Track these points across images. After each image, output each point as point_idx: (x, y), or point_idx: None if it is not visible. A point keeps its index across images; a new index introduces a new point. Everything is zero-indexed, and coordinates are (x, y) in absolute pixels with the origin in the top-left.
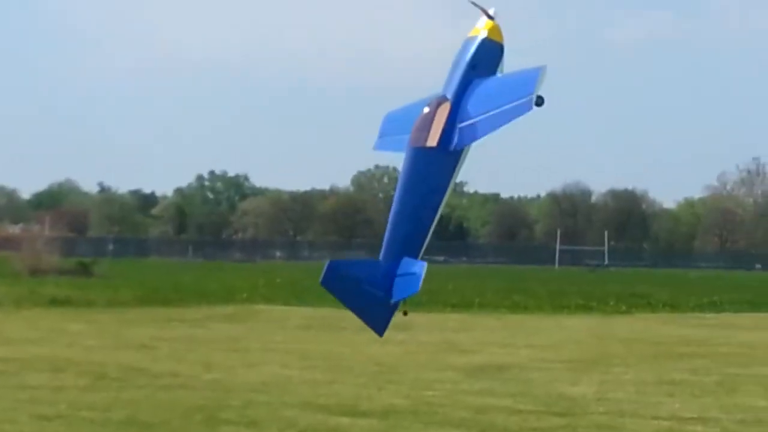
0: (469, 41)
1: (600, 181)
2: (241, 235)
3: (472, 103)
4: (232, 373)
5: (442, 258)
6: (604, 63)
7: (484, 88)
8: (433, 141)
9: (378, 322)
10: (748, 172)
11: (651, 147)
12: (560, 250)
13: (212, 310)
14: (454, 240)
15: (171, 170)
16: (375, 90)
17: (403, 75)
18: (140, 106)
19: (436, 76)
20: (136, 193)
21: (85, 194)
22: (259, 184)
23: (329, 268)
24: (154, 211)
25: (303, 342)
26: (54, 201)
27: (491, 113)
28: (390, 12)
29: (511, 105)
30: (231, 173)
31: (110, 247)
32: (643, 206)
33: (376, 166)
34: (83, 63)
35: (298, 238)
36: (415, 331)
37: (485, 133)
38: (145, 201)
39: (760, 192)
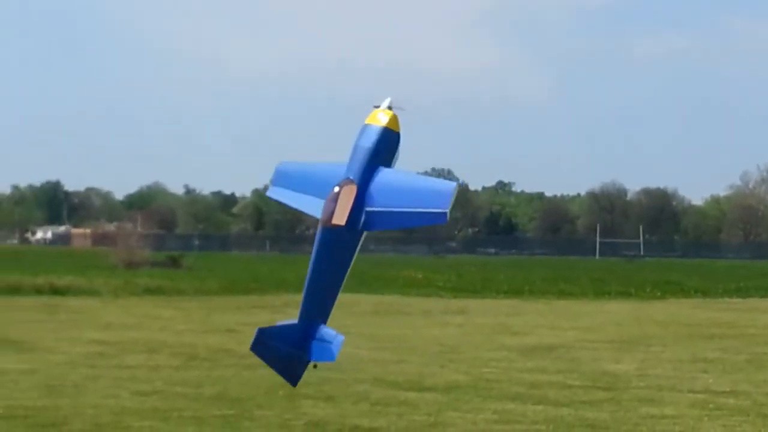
0: (370, 128)
1: (634, 181)
2: (312, 231)
3: (383, 193)
4: None
5: (493, 250)
6: (635, 74)
7: (395, 181)
8: (341, 220)
9: (293, 376)
10: None
11: (680, 149)
12: (600, 243)
13: (289, 298)
14: (504, 234)
15: (249, 173)
16: (423, 101)
17: (430, 87)
18: (220, 114)
19: (464, 91)
20: (218, 194)
21: (173, 195)
22: None
23: (257, 336)
24: (235, 209)
25: (372, 326)
26: (144, 201)
27: (406, 210)
28: (420, 29)
29: (426, 210)
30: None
31: (196, 242)
32: (674, 203)
33: (433, 169)
34: (170, 74)
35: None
36: (472, 315)
37: (397, 227)
38: (226, 201)
39: None
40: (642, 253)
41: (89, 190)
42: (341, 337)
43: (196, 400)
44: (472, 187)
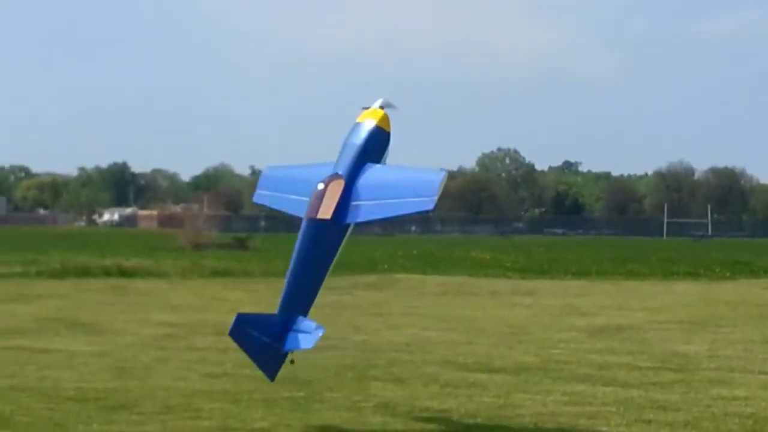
0: (360, 126)
1: (702, 160)
2: None
3: (370, 188)
4: (378, 335)
5: (560, 231)
6: (702, 50)
7: (383, 176)
8: (326, 214)
9: (270, 369)
10: None
11: (749, 128)
12: (667, 223)
13: (357, 279)
14: (571, 214)
15: (315, 154)
16: (488, 80)
17: (509, 65)
18: (285, 94)
19: (531, 70)
20: None
21: (238, 176)
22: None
23: (236, 321)
24: None
25: (440, 306)
26: (210, 183)
27: (391, 201)
28: (500, 7)
29: (413, 199)
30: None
31: (262, 223)
32: (742, 182)
33: (499, 148)
34: (236, 55)
35: (431, 214)
36: (540, 296)
37: (381, 216)
38: None
39: None
40: (710, 233)
41: (155, 171)
42: (322, 330)
43: (265, 383)
44: (538, 167)
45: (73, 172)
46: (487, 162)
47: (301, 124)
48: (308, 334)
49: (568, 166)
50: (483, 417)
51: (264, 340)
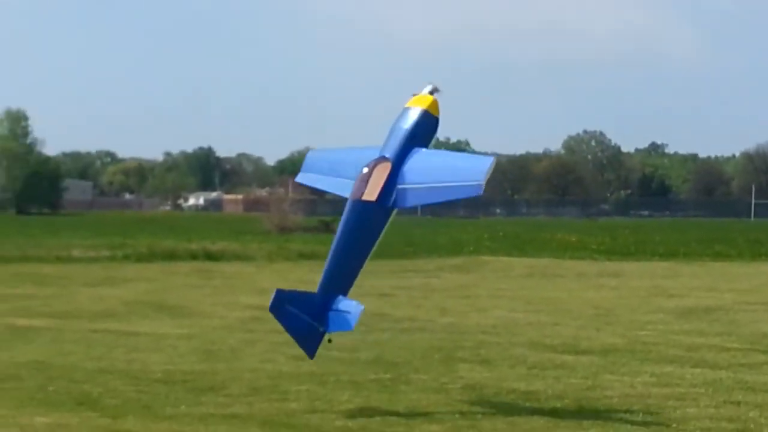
0: (409, 111)
1: None
2: None
3: (417, 172)
4: (465, 317)
5: (646, 212)
6: None
7: (430, 160)
8: (371, 196)
9: (309, 347)
10: None
11: None
12: (755, 204)
13: (443, 262)
14: (657, 196)
15: None
16: (575, 63)
17: (595, 48)
18: (366, 78)
19: (617, 52)
20: None
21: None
22: (480, 149)
23: (276, 296)
24: None
25: (526, 288)
26: (296, 167)
27: (438, 185)
28: None
29: (459, 184)
30: (453, 139)
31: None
32: None
33: (585, 131)
34: (320, 40)
35: (516, 196)
36: (627, 278)
37: (427, 201)
38: None
39: None
40: None
41: (241, 155)
42: (361, 307)
43: (352, 365)
44: (624, 149)
45: (159, 157)
46: (573, 144)
47: (385, 108)
48: (349, 314)
49: (655, 148)
50: (570, 398)
51: (303, 318)
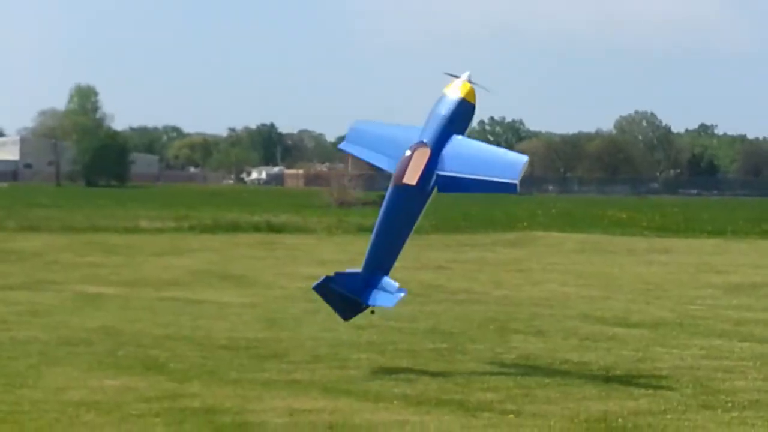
0: (447, 97)
1: None
2: None
3: (455, 159)
4: (518, 290)
5: (695, 191)
6: None
7: (468, 149)
8: (412, 180)
9: (349, 316)
10: None
11: None
12: None
13: (498, 237)
14: (706, 175)
15: None
16: (627, 48)
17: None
18: (418, 61)
19: (670, 39)
20: None
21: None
22: (534, 128)
23: (324, 281)
24: None
25: (578, 263)
26: None
27: (477, 177)
28: None
29: (497, 179)
30: (509, 119)
31: None
32: None
33: (636, 112)
34: (374, 25)
35: (568, 174)
36: (676, 254)
37: (467, 191)
38: None
39: None
40: None
41: (302, 132)
42: (403, 292)
43: (410, 334)
44: (674, 130)
45: (223, 133)
46: (624, 125)
47: (437, 87)
48: (390, 294)
49: (704, 129)
50: (621, 369)
51: (346, 295)
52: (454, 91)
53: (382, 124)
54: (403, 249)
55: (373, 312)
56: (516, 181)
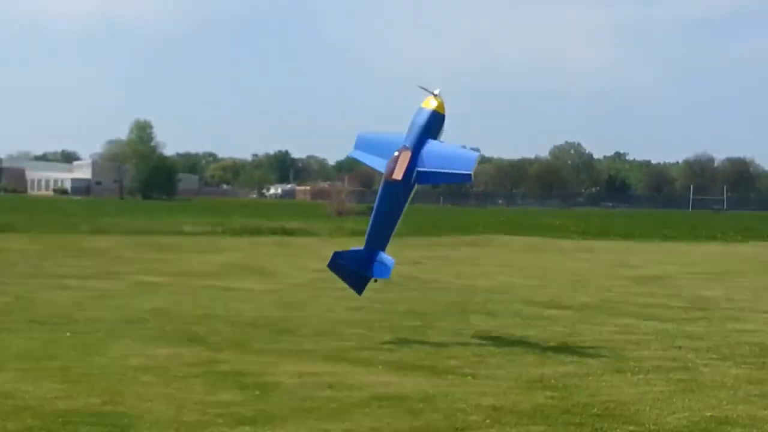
0: (424, 110)
1: (721, 151)
2: (475, 189)
3: (428, 158)
4: (475, 280)
5: (611, 204)
6: (722, 73)
7: (437, 149)
8: (398, 176)
9: (359, 288)
10: None
11: (757, 127)
12: (693, 199)
13: (460, 239)
14: (619, 192)
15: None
16: (557, 92)
17: (578, 79)
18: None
19: (596, 81)
20: None
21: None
22: (487, 155)
23: (332, 257)
24: None
25: (521, 260)
26: (350, 165)
27: (442, 170)
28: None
29: (455, 171)
30: (469, 147)
31: None
32: (750, 169)
33: (566, 142)
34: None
35: (514, 191)
36: (596, 253)
37: (436, 182)
38: None
39: None
40: (725, 207)
41: (309, 157)
42: (393, 260)
43: (392, 314)
44: (595, 156)
45: (248, 157)
46: (557, 152)
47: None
48: (386, 266)
49: (618, 156)
50: (554, 342)
51: (352, 269)
52: (429, 105)
53: (380, 133)
54: (394, 230)
55: (375, 281)
56: (470, 172)
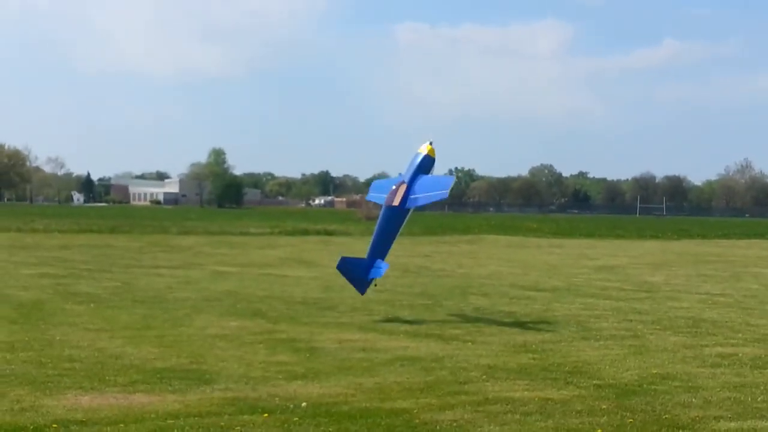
0: (419, 154)
1: (660, 170)
2: (471, 200)
3: (418, 188)
4: (472, 269)
5: (576, 211)
6: (661, 106)
7: (426, 181)
8: (396, 202)
9: (362, 289)
10: (741, 166)
11: (691, 150)
12: (639, 207)
13: (460, 237)
14: (582, 202)
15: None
16: (534, 122)
17: (547, 114)
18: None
19: (562, 112)
20: None
21: (391, 176)
22: (480, 173)
23: (341, 261)
24: None
25: (508, 254)
26: None
27: (426, 194)
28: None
29: (436, 193)
30: (466, 168)
31: None
32: (684, 184)
33: (541, 164)
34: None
35: (501, 201)
36: (565, 248)
37: (423, 203)
38: None
39: (746, 178)
40: (665, 213)
41: (345, 176)
42: (387, 265)
43: (409, 295)
44: (564, 174)
45: (298, 176)
46: (534, 171)
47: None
48: (381, 269)
49: (582, 174)
50: (535, 316)
51: (357, 274)
52: (423, 150)
53: (388, 179)
54: (392, 246)
55: (375, 285)
56: (446, 192)
